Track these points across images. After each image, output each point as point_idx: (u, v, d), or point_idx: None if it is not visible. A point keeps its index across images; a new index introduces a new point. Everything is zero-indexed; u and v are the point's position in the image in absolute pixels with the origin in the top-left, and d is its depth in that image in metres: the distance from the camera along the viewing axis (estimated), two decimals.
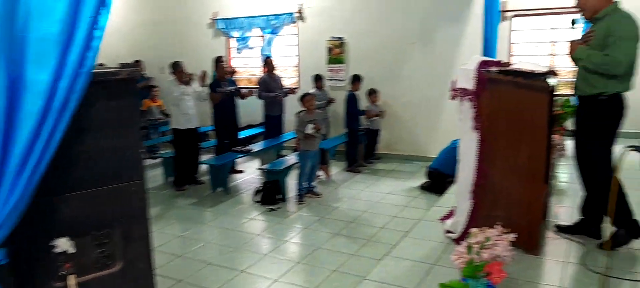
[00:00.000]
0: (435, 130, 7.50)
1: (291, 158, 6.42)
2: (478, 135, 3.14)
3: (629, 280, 2.78)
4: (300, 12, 8.28)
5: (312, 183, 6.09)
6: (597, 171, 3.19)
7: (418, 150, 7.71)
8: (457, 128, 6.69)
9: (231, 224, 5.17)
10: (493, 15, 6.40)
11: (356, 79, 7.34)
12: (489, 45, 6.40)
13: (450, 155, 5.70)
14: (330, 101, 7.70)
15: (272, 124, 7.53)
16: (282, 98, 7.46)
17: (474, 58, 3.33)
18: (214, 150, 7.14)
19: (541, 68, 3.34)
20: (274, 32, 8.74)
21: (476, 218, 3.19)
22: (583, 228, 3.40)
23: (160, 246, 4.46)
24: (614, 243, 3.10)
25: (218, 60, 6.87)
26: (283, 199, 5.84)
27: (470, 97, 3.16)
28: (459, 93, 3.19)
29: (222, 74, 6.83)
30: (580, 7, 3.27)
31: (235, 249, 4.48)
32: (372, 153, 7.74)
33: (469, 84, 3.13)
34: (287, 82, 8.46)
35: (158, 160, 7.57)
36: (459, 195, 3.39)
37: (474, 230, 2.60)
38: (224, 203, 5.90)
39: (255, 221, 5.29)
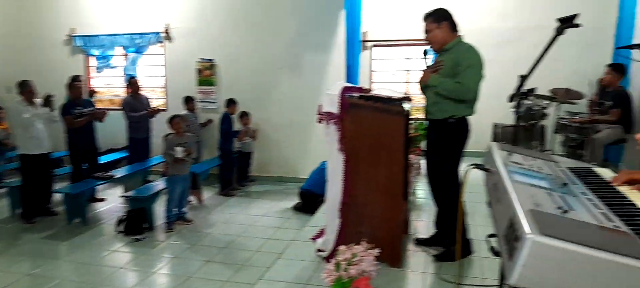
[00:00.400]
0: (306, 152, 7.71)
1: (159, 183, 6.10)
2: (343, 156, 3.31)
3: (478, 286, 3.11)
4: (167, 31, 8.00)
5: (183, 210, 5.85)
6: (447, 188, 3.54)
7: (290, 171, 7.85)
8: (325, 150, 6.97)
9: (90, 258, 4.73)
10: (355, 45, 6.86)
11: (231, 102, 7.30)
12: (351, 72, 6.82)
13: (320, 175, 5.90)
14: (207, 122, 7.55)
15: (138, 147, 7.10)
16: (149, 118, 7.10)
17: (337, 84, 3.52)
18: (69, 177, 6.50)
19: (397, 94, 3.65)
20: (138, 51, 8.32)
21: (344, 236, 3.34)
22: (438, 241, 3.74)
23: (7, 287, 3.93)
24: (443, 256, 3.46)
25: (73, 80, 6.31)
26: (150, 228, 5.52)
27: (334, 120, 3.33)
28: (325, 117, 3.34)
29: (77, 94, 6.28)
30: (429, 41, 3.64)
31: (95, 285, 4.11)
32: (245, 175, 7.70)
33: (333, 108, 3.30)
34: (155, 103, 8.08)
35: (3, 189, 6.68)
36: (328, 214, 3.53)
37: (341, 247, 2.72)
38: (81, 235, 5.39)
39: (119, 253, 4.91)
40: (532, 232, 0.97)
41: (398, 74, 7.90)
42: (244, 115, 7.41)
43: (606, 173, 1.64)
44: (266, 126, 7.82)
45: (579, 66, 6.70)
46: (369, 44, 7.61)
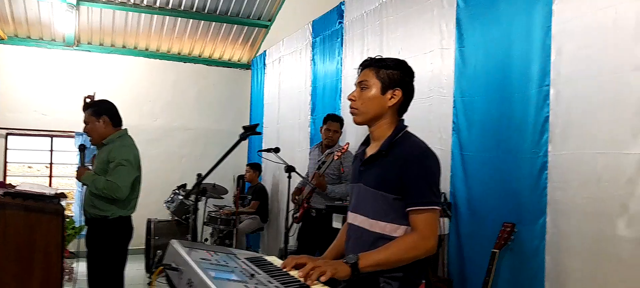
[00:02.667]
0: None
1: None
2: None
3: None
4: None
5: None
6: None
7: None
8: None
9: None
10: None
11: None
12: None
13: None
14: None
15: None
16: None
17: None
18: None
19: (49, 190, 3.25)
20: None
21: None
22: None
23: None
24: None
25: None
26: None
27: None
28: None
29: None
30: (88, 133, 3.46)
31: None
32: None
33: None
34: None
35: None
36: None
37: None
38: None
39: None
40: None
41: (41, 167, 7.02)
42: None
43: (275, 260, 1.90)
44: None
45: (225, 164, 7.50)
46: (3, 131, 6.50)
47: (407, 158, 1.66)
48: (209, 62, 7.72)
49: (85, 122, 3.45)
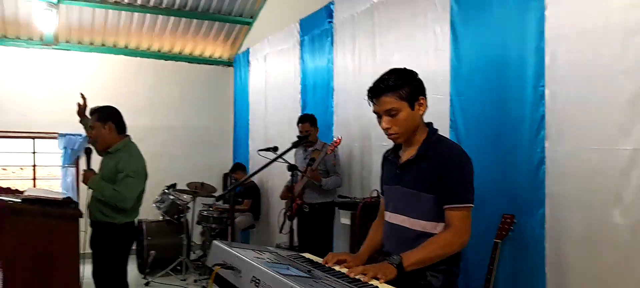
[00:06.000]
0: None
1: None
2: (1, 274, 2.67)
3: None
4: None
5: None
6: None
7: None
8: None
9: None
10: None
11: None
12: None
13: None
14: None
15: None
16: None
17: None
18: None
19: (60, 195, 3.28)
20: None
21: None
22: None
23: None
24: None
25: None
26: None
27: None
28: None
29: None
30: (93, 139, 3.48)
31: None
32: None
33: None
34: None
35: None
36: None
37: None
38: None
39: None
40: None
41: (26, 169, 6.91)
42: None
43: (313, 257, 2.04)
44: None
45: (211, 162, 7.53)
46: None
47: (444, 159, 1.83)
48: (190, 59, 7.70)
49: (90, 127, 3.47)
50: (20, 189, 3.53)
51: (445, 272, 1.84)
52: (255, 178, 6.55)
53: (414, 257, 1.76)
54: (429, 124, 1.97)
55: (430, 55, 3.70)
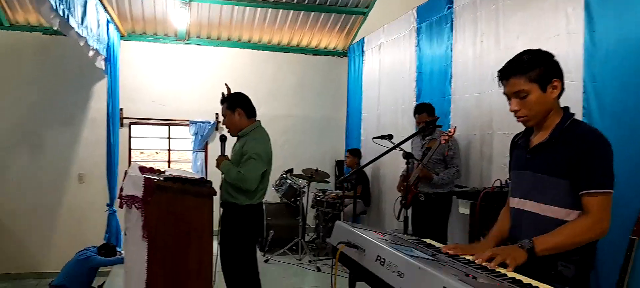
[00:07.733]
0: (52, 242, 6.61)
1: None
2: (146, 244, 3.03)
3: None
4: None
5: None
6: (240, 274, 3.58)
7: (30, 266, 6.57)
8: (76, 238, 6.12)
9: None
10: (115, 122, 6.42)
11: None
12: (112, 150, 6.32)
13: (76, 268, 5.14)
14: None
15: None
16: None
17: (133, 165, 3.27)
18: None
19: (194, 175, 3.60)
20: None
21: None
22: None
23: None
24: None
25: None
26: None
27: (137, 204, 3.05)
28: (127, 200, 3.04)
29: None
30: (226, 125, 3.75)
31: None
32: None
33: (137, 191, 3.03)
34: None
35: None
36: None
37: None
38: None
39: None
40: None
41: (161, 153, 7.70)
42: None
43: (434, 242, 2.03)
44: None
45: (324, 149, 7.80)
46: (127, 121, 7.17)
47: (581, 143, 1.71)
48: (307, 51, 7.97)
49: (222, 115, 3.75)
50: (168, 170, 3.91)
51: (579, 263, 1.72)
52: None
53: (548, 241, 1.67)
54: (565, 108, 1.86)
55: (560, 39, 3.44)
